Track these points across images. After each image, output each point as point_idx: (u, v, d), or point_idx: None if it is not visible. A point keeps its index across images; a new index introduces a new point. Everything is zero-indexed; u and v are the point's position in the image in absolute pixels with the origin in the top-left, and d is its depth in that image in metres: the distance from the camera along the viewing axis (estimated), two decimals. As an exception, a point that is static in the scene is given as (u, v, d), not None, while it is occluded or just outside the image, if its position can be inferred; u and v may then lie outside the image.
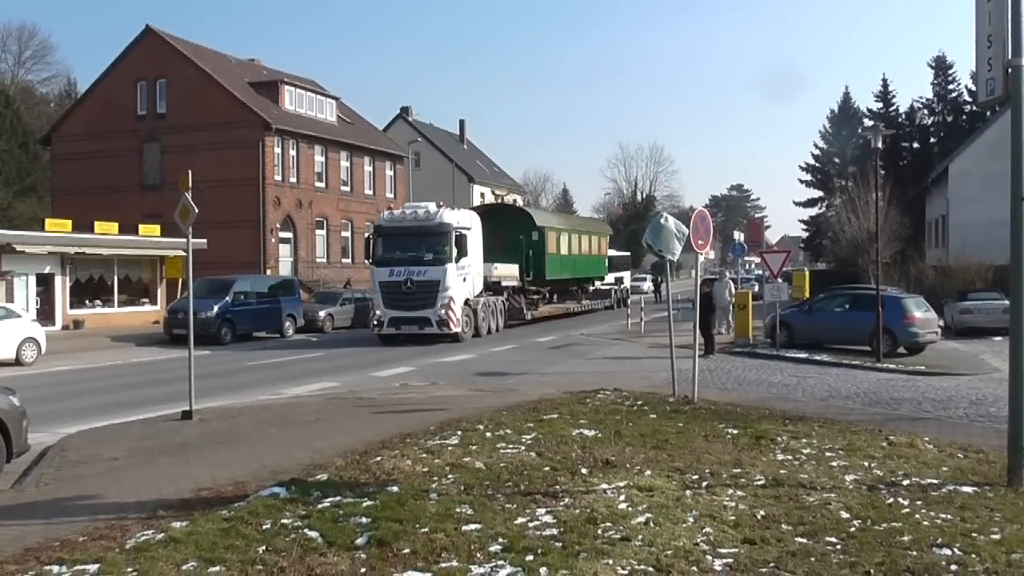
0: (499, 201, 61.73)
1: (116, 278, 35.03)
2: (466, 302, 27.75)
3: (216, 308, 28.13)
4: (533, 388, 16.33)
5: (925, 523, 7.17)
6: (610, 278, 46.37)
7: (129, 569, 6.17)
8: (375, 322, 27.77)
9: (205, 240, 30.38)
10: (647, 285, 61.78)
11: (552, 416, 12.25)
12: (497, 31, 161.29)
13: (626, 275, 57.70)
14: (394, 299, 26.82)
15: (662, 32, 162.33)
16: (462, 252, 27.23)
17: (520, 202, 72.34)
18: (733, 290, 27.79)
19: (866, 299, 22.82)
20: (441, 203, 28.49)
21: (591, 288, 42.83)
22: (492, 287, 30.94)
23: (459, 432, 11.07)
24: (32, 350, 23.07)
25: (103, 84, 44.93)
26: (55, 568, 6.25)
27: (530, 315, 33.71)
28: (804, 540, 6.70)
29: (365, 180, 48.92)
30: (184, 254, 18.69)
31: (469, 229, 28.28)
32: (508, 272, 32.50)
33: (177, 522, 7.32)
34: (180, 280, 33.71)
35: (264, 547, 6.55)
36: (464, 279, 27.59)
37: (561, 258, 37.12)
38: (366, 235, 30.68)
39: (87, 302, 33.80)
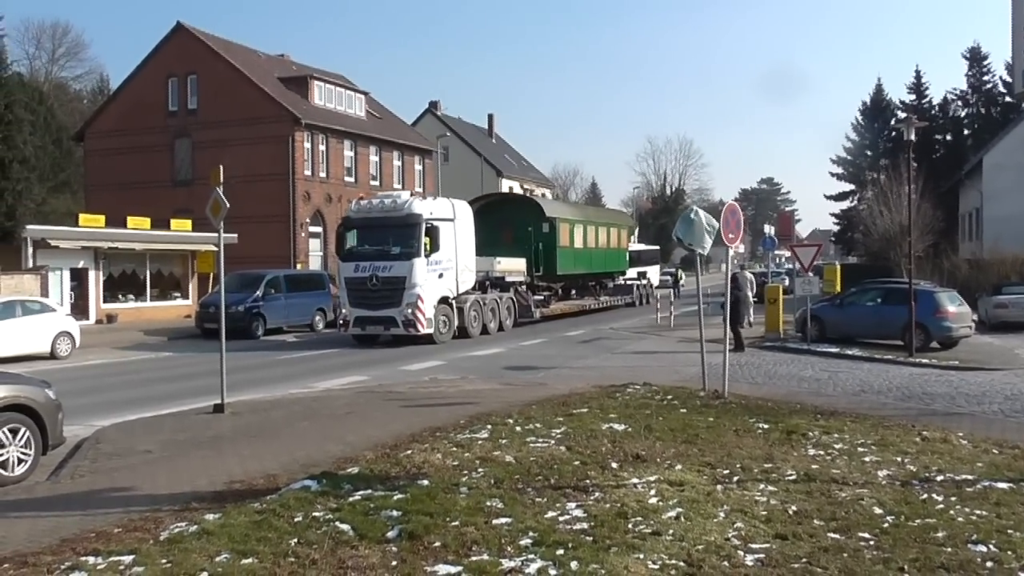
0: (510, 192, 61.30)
1: (148, 273, 35.37)
2: (444, 300, 25.33)
3: (247, 302, 28.32)
4: (562, 382, 16.32)
5: (960, 519, 7.11)
6: (633, 273, 43.96)
7: (163, 560, 6.23)
8: (341, 321, 25.76)
9: (236, 235, 30.60)
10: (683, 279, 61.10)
11: (582, 410, 12.24)
12: (525, 25, 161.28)
13: (654, 269, 57.30)
14: (359, 297, 24.67)
15: (691, 25, 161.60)
16: (434, 245, 24.51)
17: (549, 195, 72.21)
18: (752, 283, 27.47)
19: (899, 293, 22.62)
20: (413, 192, 26.43)
21: (611, 284, 40.47)
22: (497, 283, 29.20)
23: (489, 426, 11.08)
24: (67, 344, 23.36)
25: (135, 80, 45.32)
26: (91, 559, 6.32)
27: (539, 313, 31.47)
28: (837, 536, 6.66)
29: (394, 175, 49.02)
30: (215, 249, 18.82)
31: (449, 220, 25.73)
32: (514, 267, 30.41)
33: (210, 514, 7.39)
34: (211, 274, 34.00)
35: (296, 540, 6.60)
36: (440, 275, 25.05)
37: (575, 251, 34.86)
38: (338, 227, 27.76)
39: (120, 296, 34.17)
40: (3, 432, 9.49)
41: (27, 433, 9.72)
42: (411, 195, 25.99)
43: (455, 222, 26.11)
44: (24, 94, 40.07)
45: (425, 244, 24.30)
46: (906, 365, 19.44)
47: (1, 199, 30.97)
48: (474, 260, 27.38)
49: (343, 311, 25.38)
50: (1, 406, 9.51)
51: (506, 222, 31.71)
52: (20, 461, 9.66)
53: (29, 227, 31.21)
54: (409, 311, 24.06)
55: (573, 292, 36.26)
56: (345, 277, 25.04)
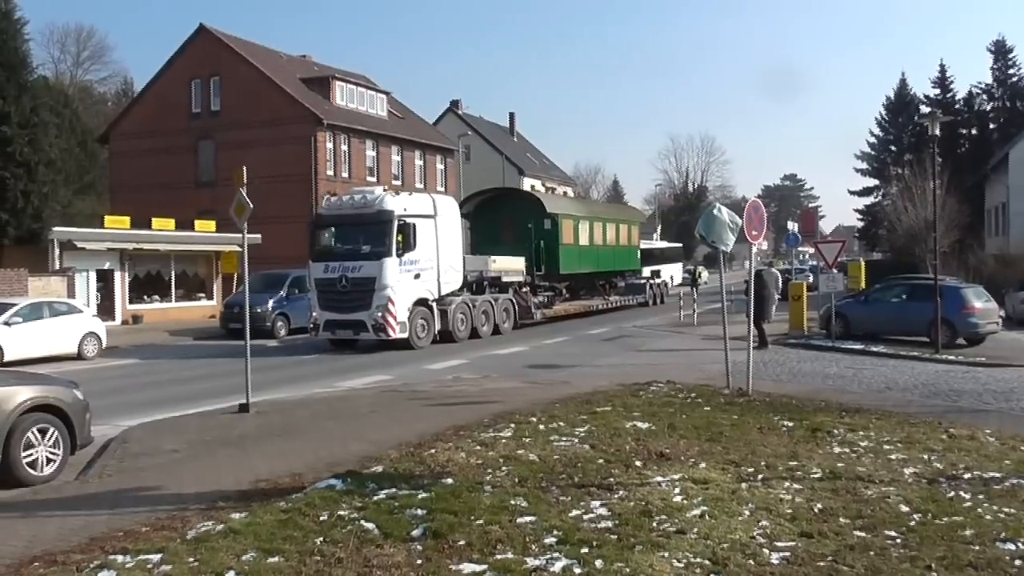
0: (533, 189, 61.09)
1: (173, 273, 35.69)
2: (423, 303, 23.78)
3: (271, 302, 28.47)
4: (585, 380, 16.29)
5: (988, 517, 7.05)
6: (646, 271, 42.34)
7: (191, 559, 6.28)
8: (311, 325, 24.07)
9: (259, 235, 30.77)
10: (704, 276, 60.54)
11: (605, 408, 12.22)
12: (546, 23, 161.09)
13: (676, 267, 56.98)
14: (329, 299, 23.16)
15: (713, 22, 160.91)
16: (408, 244, 22.93)
17: (571, 194, 72.07)
18: (778, 280, 27.28)
19: (924, 289, 22.46)
20: (386, 187, 24.99)
21: (621, 283, 38.45)
22: (494, 283, 27.70)
23: (512, 424, 11.08)
24: (93, 344, 23.59)
25: (158, 83, 45.74)
26: (119, 557, 6.38)
27: (540, 315, 29.75)
28: (863, 534, 6.62)
29: (416, 174, 49.13)
30: (239, 249, 18.94)
31: (427, 216, 24.11)
32: (510, 266, 28.58)
33: (236, 513, 7.44)
34: (235, 275, 34.24)
35: (321, 538, 6.63)
36: (417, 276, 23.43)
37: (580, 249, 33.26)
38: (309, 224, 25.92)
39: (145, 297, 34.50)
40: (32, 432, 9.60)
41: (56, 433, 9.84)
42: (384, 190, 24.47)
43: (436, 219, 24.48)
44: (50, 97, 40.37)
45: (398, 242, 22.77)
46: (932, 362, 19.30)
47: (28, 201, 31.22)
48: (460, 259, 25.75)
49: (313, 314, 23.84)
50: (30, 407, 9.62)
51: (506, 219, 30.54)
52: (49, 461, 9.77)
53: (56, 229, 31.55)
54: (379, 314, 22.50)
55: (583, 292, 35.01)
56: (315, 278, 23.57)
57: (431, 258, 24.06)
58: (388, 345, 23.25)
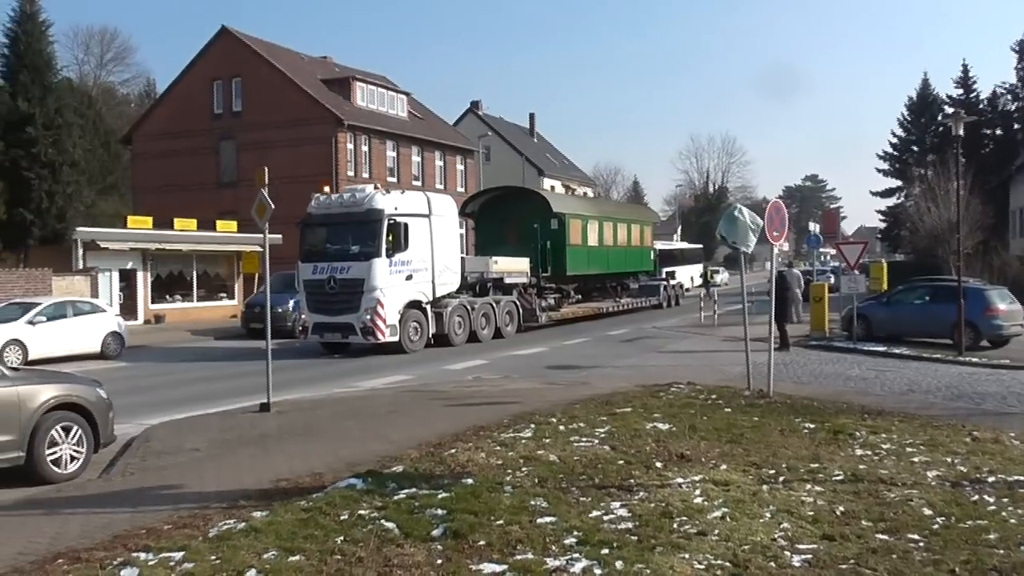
0: (563, 190, 61.00)
1: (195, 273, 35.94)
2: (415, 305, 22.99)
3: (292, 302, 28.52)
4: (605, 381, 16.27)
5: (1012, 521, 6.98)
6: (664, 272, 41.78)
7: (212, 557, 6.31)
8: (300, 328, 23.54)
9: (280, 236, 30.88)
10: (721, 277, 60.40)
11: (625, 409, 12.19)
12: (565, 24, 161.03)
13: (696, 268, 56.76)
14: (317, 301, 22.38)
15: (733, 21, 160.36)
16: (399, 244, 22.15)
17: (590, 194, 71.98)
18: (800, 280, 27.11)
19: (947, 291, 22.26)
20: (377, 185, 24.13)
21: (634, 285, 37.63)
22: (498, 285, 26.86)
23: (532, 425, 11.08)
24: (116, 344, 23.79)
25: (181, 84, 46.05)
26: (142, 555, 6.43)
27: (545, 317, 28.54)
28: (885, 537, 6.58)
29: (436, 174, 49.22)
30: (261, 249, 19.00)
31: (422, 215, 23.33)
32: (513, 267, 27.64)
33: (257, 512, 7.48)
34: (257, 275, 34.40)
35: (342, 538, 6.65)
36: (409, 277, 22.62)
37: (588, 250, 32.28)
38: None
39: (167, 297, 34.75)
40: (56, 430, 9.69)
41: (79, 431, 9.93)
42: (375, 188, 23.46)
43: (430, 218, 23.63)
44: (73, 99, 40.78)
45: (388, 242, 22.00)
46: (955, 364, 19.14)
47: (52, 202, 31.54)
48: (458, 260, 25.05)
49: (302, 316, 23.16)
50: (54, 405, 9.72)
51: (511, 218, 29.75)
52: (73, 459, 9.87)
53: (79, 229, 31.88)
54: (368, 317, 21.69)
55: (594, 294, 34.25)
56: (303, 279, 22.75)
57: (425, 259, 23.28)
58: (381, 349, 22.42)
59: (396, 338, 22.26)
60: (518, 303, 27.28)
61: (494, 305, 26.02)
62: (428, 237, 23.45)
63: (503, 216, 30.05)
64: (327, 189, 20.86)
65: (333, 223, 22.76)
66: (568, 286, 31.85)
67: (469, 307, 24.83)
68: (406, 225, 22.47)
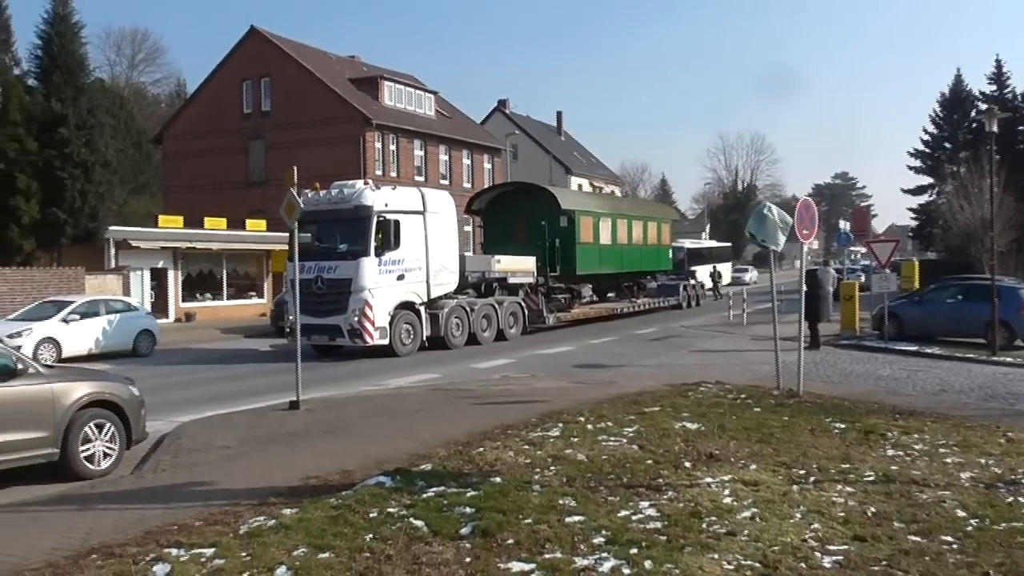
0: (590, 188, 60.77)
1: (225, 272, 36.23)
2: (408, 306, 22.07)
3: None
4: (633, 380, 16.20)
5: (1048, 523, 6.88)
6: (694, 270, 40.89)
7: (243, 553, 6.36)
8: (287, 328, 22.29)
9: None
10: (749, 276, 60.00)
11: (654, 409, 12.15)
12: (593, 21, 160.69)
13: (723, 267, 56.41)
14: (305, 302, 19.75)
15: (761, 17, 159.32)
16: (389, 242, 21.30)
17: (618, 193, 71.77)
18: (834, 279, 26.90)
19: (981, 289, 22.00)
20: (367, 181, 23.01)
21: (651, 284, 36.41)
22: (503, 285, 25.87)
23: (560, 424, 11.07)
24: (148, 342, 24.05)
25: (211, 84, 46.42)
26: (174, 551, 6.49)
27: (553, 319, 27.39)
28: (918, 539, 6.51)
29: (464, 173, 49.30)
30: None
31: (415, 212, 22.44)
32: (518, 266, 26.48)
33: (287, 509, 7.52)
34: (285, 274, 34.59)
35: (371, 535, 6.68)
36: (401, 277, 21.73)
37: (600, 248, 30.98)
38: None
39: (198, 295, 35.06)
40: (89, 427, 9.80)
41: (112, 428, 10.04)
42: (364, 184, 22.34)
43: (425, 215, 22.73)
44: (105, 99, 41.27)
45: (378, 240, 21.17)
46: (989, 364, 18.91)
47: (85, 201, 31.91)
48: (456, 258, 24.04)
49: (290, 317, 21.26)
50: (87, 402, 9.82)
51: (518, 215, 28.89)
52: (106, 455, 9.97)
53: (111, 228, 32.25)
54: (355, 319, 20.85)
55: (609, 294, 33.28)
56: (291, 279, 20.64)
57: (419, 257, 22.39)
58: (376, 352, 21.54)
59: (386, 341, 21.42)
60: (523, 304, 26.26)
61: (496, 306, 24.97)
62: (422, 235, 22.63)
63: (511, 213, 29.35)
64: (318, 186, 20.17)
65: (321, 220, 21.46)
66: (579, 286, 30.90)
67: (468, 308, 23.81)
68: (397, 222, 21.64)
